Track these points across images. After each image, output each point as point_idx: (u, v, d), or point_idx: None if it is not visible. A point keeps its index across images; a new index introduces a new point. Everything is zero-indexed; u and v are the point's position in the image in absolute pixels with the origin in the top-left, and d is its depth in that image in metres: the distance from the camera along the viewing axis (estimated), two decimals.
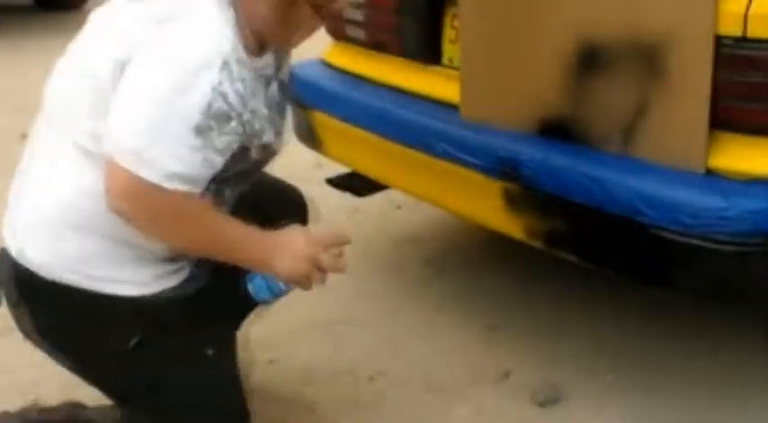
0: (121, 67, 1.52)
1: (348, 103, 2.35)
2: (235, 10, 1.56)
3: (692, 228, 1.61)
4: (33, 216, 1.66)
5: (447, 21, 2.18)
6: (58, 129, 1.64)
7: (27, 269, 1.65)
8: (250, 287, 1.66)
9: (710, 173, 1.66)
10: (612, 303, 2.42)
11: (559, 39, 1.81)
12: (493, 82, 1.99)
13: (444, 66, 2.21)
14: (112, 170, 1.48)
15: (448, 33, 2.18)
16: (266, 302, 1.72)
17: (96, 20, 1.68)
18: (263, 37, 1.62)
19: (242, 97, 1.54)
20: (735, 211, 1.58)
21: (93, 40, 1.64)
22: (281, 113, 1.78)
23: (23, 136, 1.80)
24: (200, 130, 1.48)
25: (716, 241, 1.59)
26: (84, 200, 1.60)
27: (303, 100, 2.53)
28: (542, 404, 2.04)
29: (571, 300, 2.46)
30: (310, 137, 2.55)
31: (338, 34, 2.51)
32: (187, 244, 1.62)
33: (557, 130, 1.87)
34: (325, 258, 1.63)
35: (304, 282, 1.64)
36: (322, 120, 2.44)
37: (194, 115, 1.48)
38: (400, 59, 2.31)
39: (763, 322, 2.24)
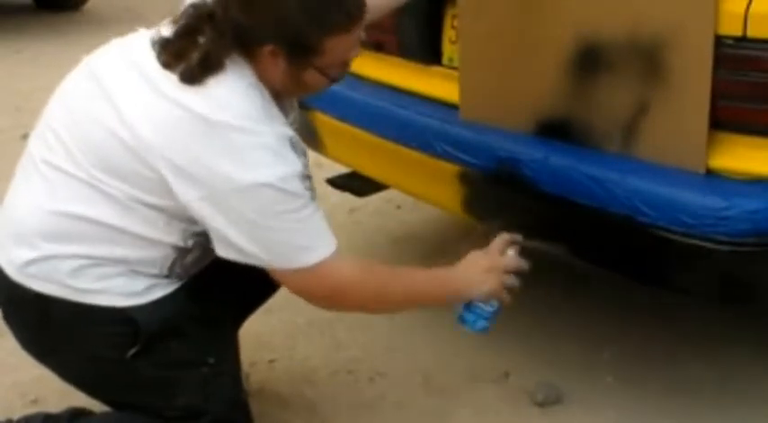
0: (175, 169, 1.52)
1: (348, 103, 2.34)
2: (255, 72, 1.60)
3: (692, 228, 1.61)
4: (18, 229, 1.65)
5: (447, 21, 2.18)
6: (64, 155, 1.61)
7: (12, 282, 1.63)
8: (467, 327, 1.79)
9: (711, 173, 1.66)
10: (612, 304, 2.42)
11: (559, 38, 1.81)
12: (492, 82, 1.99)
13: (444, 66, 2.21)
14: (299, 281, 1.61)
15: (448, 33, 2.18)
16: (486, 329, 1.80)
17: (121, 57, 1.64)
18: (276, 91, 1.66)
19: (306, 164, 1.64)
20: (734, 211, 1.58)
21: (126, 91, 1.59)
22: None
23: (24, 136, 1.81)
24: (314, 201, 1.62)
25: (715, 241, 1.59)
26: (75, 218, 1.59)
27: (303, 100, 2.53)
28: (542, 405, 2.04)
29: (571, 300, 2.46)
30: (310, 137, 2.54)
31: None
32: (391, 306, 1.83)
33: (556, 131, 1.87)
34: (511, 260, 1.77)
35: (503, 293, 1.76)
36: (322, 120, 2.44)
37: (307, 200, 1.59)
38: (400, 59, 2.31)
39: (763, 322, 2.24)
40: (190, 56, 1.55)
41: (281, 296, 2.53)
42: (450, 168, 2.02)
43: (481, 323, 1.78)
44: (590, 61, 1.77)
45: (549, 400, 2.05)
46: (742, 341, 2.24)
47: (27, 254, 1.61)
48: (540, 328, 2.35)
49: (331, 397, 2.09)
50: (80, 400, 2.02)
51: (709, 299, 1.83)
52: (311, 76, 1.64)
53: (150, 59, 1.58)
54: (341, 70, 1.67)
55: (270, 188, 1.52)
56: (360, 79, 2.40)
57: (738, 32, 1.58)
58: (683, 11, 1.62)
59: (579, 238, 1.87)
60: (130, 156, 1.55)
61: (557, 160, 1.82)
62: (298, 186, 1.56)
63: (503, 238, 1.80)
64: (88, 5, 7.72)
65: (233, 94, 1.55)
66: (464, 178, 2.01)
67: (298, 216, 1.57)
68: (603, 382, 2.12)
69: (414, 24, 2.23)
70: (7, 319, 1.73)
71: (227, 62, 1.56)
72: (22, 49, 6.05)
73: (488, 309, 1.77)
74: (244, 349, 2.22)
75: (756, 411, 1.99)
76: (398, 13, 2.16)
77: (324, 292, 1.64)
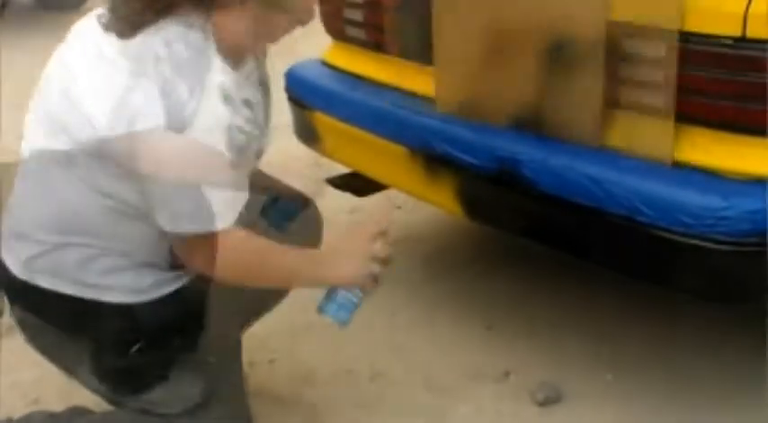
0: (106, 124, 1.52)
1: (348, 103, 2.35)
2: (212, 31, 1.57)
3: (691, 228, 1.61)
4: (20, 227, 1.66)
5: None
6: (45, 142, 1.64)
7: (19, 279, 1.65)
8: (328, 317, 1.71)
9: (677, 165, 1.70)
10: (612, 303, 2.42)
11: (530, 34, 1.85)
12: (467, 75, 2.03)
13: None
14: (191, 246, 1.57)
15: None
16: (347, 321, 1.73)
17: (78, 37, 1.67)
18: (242, 49, 1.64)
19: (249, 119, 1.59)
20: (734, 211, 1.59)
21: (80, 67, 1.61)
22: (267, 112, 1.79)
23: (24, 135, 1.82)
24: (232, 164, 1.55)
25: (715, 241, 1.60)
26: (82, 210, 1.60)
27: (303, 100, 2.53)
28: (542, 404, 2.04)
29: (571, 299, 2.46)
30: (310, 137, 2.55)
31: (338, 34, 2.51)
32: (265, 279, 1.68)
33: (529, 123, 1.90)
34: (379, 248, 1.68)
35: (368, 280, 1.68)
36: (322, 120, 2.44)
37: (224, 157, 1.53)
38: (400, 59, 2.31)
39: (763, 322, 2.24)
40: (126, 15, 1.55)
41: None
42: (450, 169, 2.02)
43: (343, 314, 1.70)
44: (560, 55, 1.81)
45: (550, 399, 2.05)
46: (742, 338, 2.24)
47: (31, 249, 1.63)
48: (541, 327, 2.35)
49: (331, 397, 2.09)
50: (80, 400, 2.02)
51: (708, 298, 1.83)
52: (280, 22, 1.63)
53: (98, 28, 1.60)
54: (308, 15, 1.66)
55: (221, 135, 1.51)
56: (360, 79, 2.41)
57: (738, 32, 1.58)
58: (648, 7, 1.66)
59: (578, 239, 1.87)
60: (87, 124, 1.55)
61: (557, 160, 1.83)
62: (218, 139, 1.52)
63: (375, 224, 1.74)
64: (88, 5, 7.72)
65: (162, 44, 1.53)
66: (463, 179, 2.01)
67: (216, 172, 1.54)
68: (603, 380, 2.12)
69: (414, 24, 2.23)
70: (15, 314, 1.74)
71: (168, 17, 1.54)
72: (23, 48, 6.05)
73: (353, 299, 1.69)
74: (244, 349, 2.22)
75: (757, 409, 1.99)
76: (399, 12, 2.16)
77: (211, 257, 1.58)
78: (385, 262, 1.70)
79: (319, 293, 1.73)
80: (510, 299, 2.49)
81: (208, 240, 1.54)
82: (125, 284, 1.63)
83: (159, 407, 1.81)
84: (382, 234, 1.71)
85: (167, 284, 1.68)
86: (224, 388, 1.73)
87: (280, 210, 1.95)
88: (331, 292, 1.70)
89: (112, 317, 1.65)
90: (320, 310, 1.72)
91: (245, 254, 1.61)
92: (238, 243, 1.58)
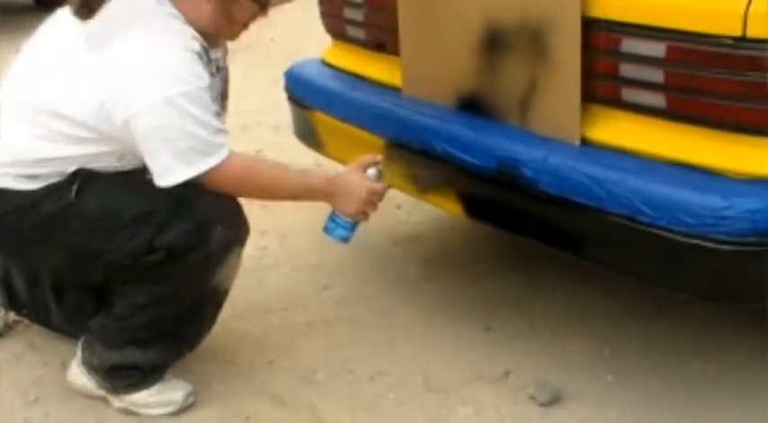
0: (99, 103, 1.75)
1: (348, 103, 2.35)
2: (181, 13, 1.79)
3: (692, 228, 1.61)
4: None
5: None
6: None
7: None
8: (330, 235, 2.07)
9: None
10: (612, 303, 2.42)
11: (469, 23, 1.98)
12: (424, 61, 2.15)
13: None
14: (211, 179, 1.80)
15: None
16: (348, 238, 2.08)
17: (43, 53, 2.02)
18: (209, 33, 1.83)
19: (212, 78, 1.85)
20: (734, 211, 1.58)
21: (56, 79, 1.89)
22: (223, 103, 2.03)
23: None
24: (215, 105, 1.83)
25: (716, 241, 1.60)
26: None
27: (303, 100, 2.53)
28: (542, 404, 2.04)
29: (571, 300, 2.46)
30: (310, 137, 2.55)
31: (338, 34, 2.51)
32: (274, 193, 2.00)
33: (471, 105, 2.05)
34: (375, 191, 2.04)
35: (364, 217, 2.05)
36: (322, 120, 2.44)
37: (212, 109, 1.79)
38: (400, 59, 2.31)
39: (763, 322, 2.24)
40: None
41: (281, 297, 2.54)
42: (449, 168, 2.02)
43: (342, 232, 2.06)
44: (494, 42, 1.94)
45: (550, 400, 2.04)
46: (741, 337, 2.24)
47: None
48: (540, 327, 2.35)
49: (331, 397, 2.09)
50: (80, 400, 2.02)
51: (708, 298, 1.83)
52: (240, 9, 1.86)
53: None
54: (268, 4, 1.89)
55: (176, 101, 1.70)
56: (360, 79, 2.41)
57: (738, 32, 1.58)
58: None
59: (579, 238, 1.87)
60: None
61: (556, 160, 1.83)
62: (204, 97, 1.75)
63: (368, 157, 2.06)
64: None
65: (129, 15, 1.74)
66: (463, 179, 2.01)
67: (205, 124, 1.76)
68: (603, 380, 2.12)
69: None
70: None
71: None
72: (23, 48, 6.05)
73: (350, 220, 2.05)
74: (244, 349, 2.22)
75: (757, 407, 1.99)
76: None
77: (232, 182, 1.84)
78: (379, 199, 2.06)
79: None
80: (510, 299, 2.49)
81: (225, 167, 1.80)
82: None
83: (142, 408, 1.89)
84: (376, 162, 2.05)
85: None
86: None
87: (342, 224, 2.07)
88: (333, 217, 2.06)
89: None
90: (325, 231, 2.07)
91: (257, 172, 1.90)
92: (247, 162, 1.88)
